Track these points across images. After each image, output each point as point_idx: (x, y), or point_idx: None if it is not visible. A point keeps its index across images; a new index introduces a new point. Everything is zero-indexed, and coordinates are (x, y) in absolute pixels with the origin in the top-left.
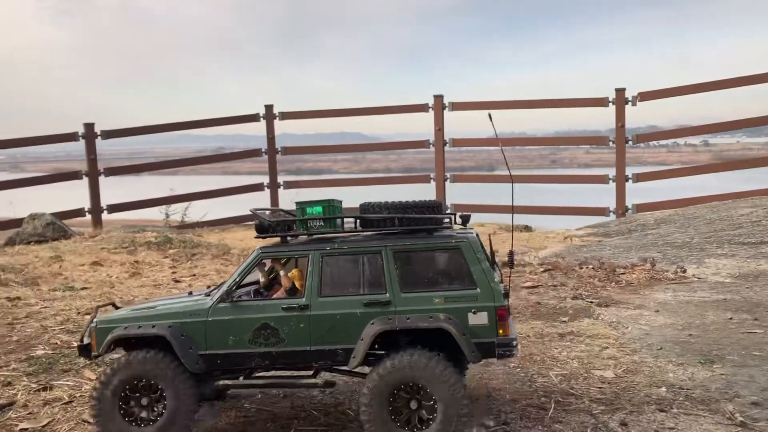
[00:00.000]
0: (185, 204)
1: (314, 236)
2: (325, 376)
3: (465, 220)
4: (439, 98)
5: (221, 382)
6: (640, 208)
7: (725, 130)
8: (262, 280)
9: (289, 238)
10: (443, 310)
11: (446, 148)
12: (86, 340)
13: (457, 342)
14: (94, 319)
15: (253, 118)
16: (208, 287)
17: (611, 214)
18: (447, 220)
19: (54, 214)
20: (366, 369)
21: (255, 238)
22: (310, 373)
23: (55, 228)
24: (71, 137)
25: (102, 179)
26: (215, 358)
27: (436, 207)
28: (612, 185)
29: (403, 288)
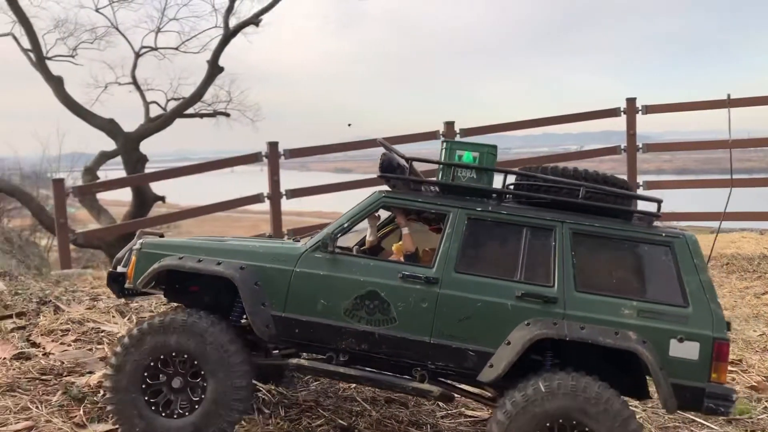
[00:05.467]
0: None
1: (459, 190)
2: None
3: (657, 209)
4: None
5: (295, 360)
6: None
7: None
8: (369, 238)
9: (423, 188)
10: (635, 327)
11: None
12: (121, 269)
13: (652, 375)
14: (139, 241)
15: (612, 112)
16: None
17: None
18: (655, 204)
19: None
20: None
21: (378, 177)
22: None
23: None
24: (433, 135)
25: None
26: (293, 325)
27: (625, 188)
28: None
29: (579, 285)
